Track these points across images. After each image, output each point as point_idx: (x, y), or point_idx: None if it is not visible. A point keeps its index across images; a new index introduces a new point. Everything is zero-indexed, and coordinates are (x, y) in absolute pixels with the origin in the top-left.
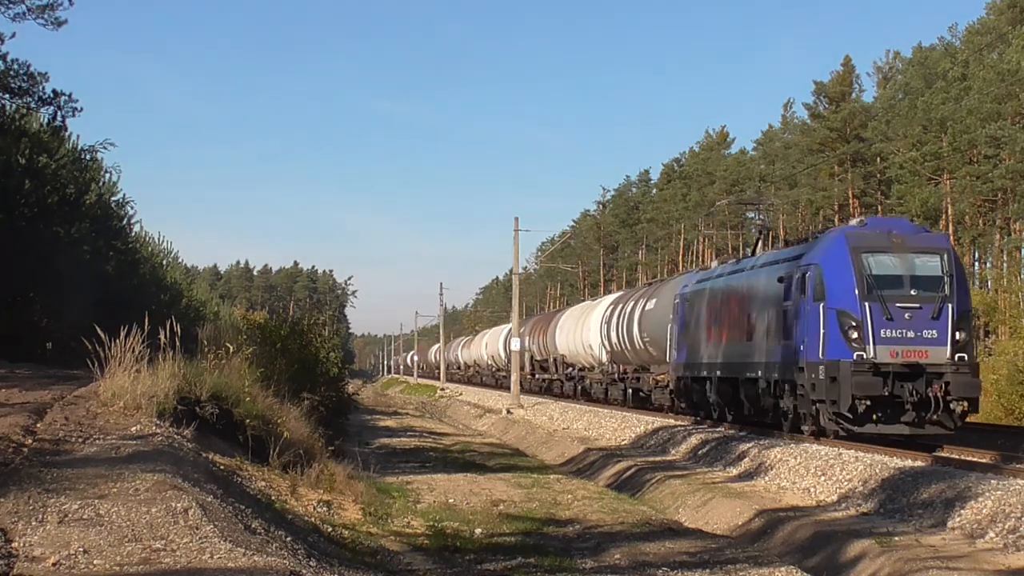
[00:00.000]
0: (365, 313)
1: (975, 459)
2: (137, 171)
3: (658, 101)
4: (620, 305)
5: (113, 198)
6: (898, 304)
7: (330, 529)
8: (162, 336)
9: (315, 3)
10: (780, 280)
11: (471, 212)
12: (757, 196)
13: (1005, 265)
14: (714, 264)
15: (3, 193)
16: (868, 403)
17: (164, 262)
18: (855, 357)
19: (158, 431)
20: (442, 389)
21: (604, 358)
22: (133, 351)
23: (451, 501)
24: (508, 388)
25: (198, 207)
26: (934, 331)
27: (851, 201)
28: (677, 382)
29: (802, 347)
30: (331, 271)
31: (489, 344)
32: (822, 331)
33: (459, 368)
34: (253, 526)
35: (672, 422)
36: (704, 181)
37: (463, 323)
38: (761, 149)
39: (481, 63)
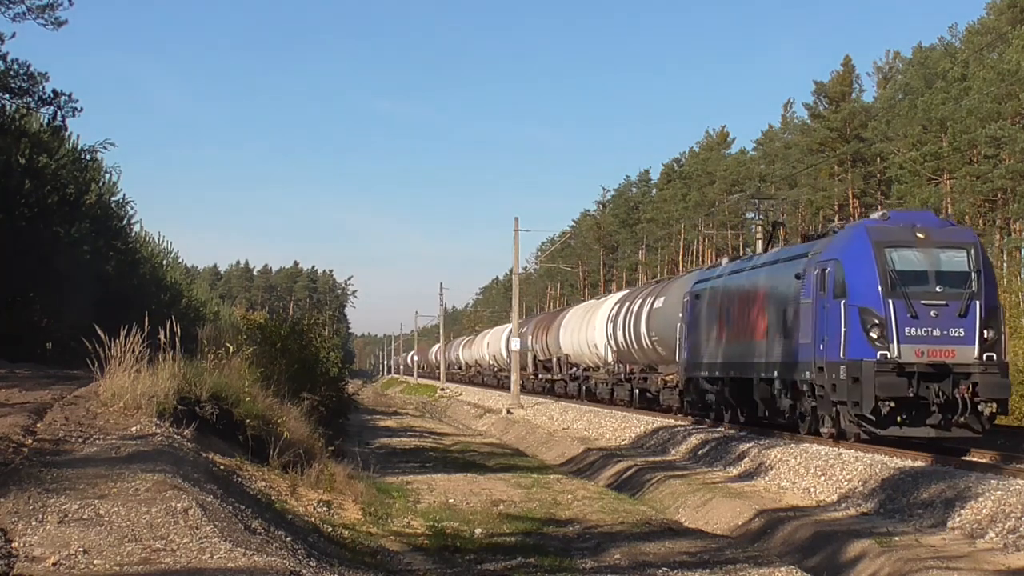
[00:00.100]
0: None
1: (975, 459)
2: (137, 171)
3: (658, 101)
4: (627, 303)
5: (113, 198)
6: (923, 301)
7: (330, 529)
8: (162, 336)
9: (315, 3)
10: (797, 276)
11: (471, 212)
12: (769, 192)
13: (1005, 265)
14: (725, 261)
15: (3, 193)
16: (892, 405)
17: (164, 262)
18: (878, 357)
19: (158, 431)
20: (442, 389)
21: (610, 358)
22: (133, 351)
23: (451, 501)
24: (510, 388)
25: (198, 207)
26: (961, 329)
27: (851, 201)
28: (687, 382)
29: (821, 346)
30: (331, 271)
31: (491, 344)
32: (843, 329)
33: (460, 368)
34: (253, 526)
35: (672, 422)
36: (704, 181)
37: (463, 323)
38: (761, 149)
39: (481, 63)
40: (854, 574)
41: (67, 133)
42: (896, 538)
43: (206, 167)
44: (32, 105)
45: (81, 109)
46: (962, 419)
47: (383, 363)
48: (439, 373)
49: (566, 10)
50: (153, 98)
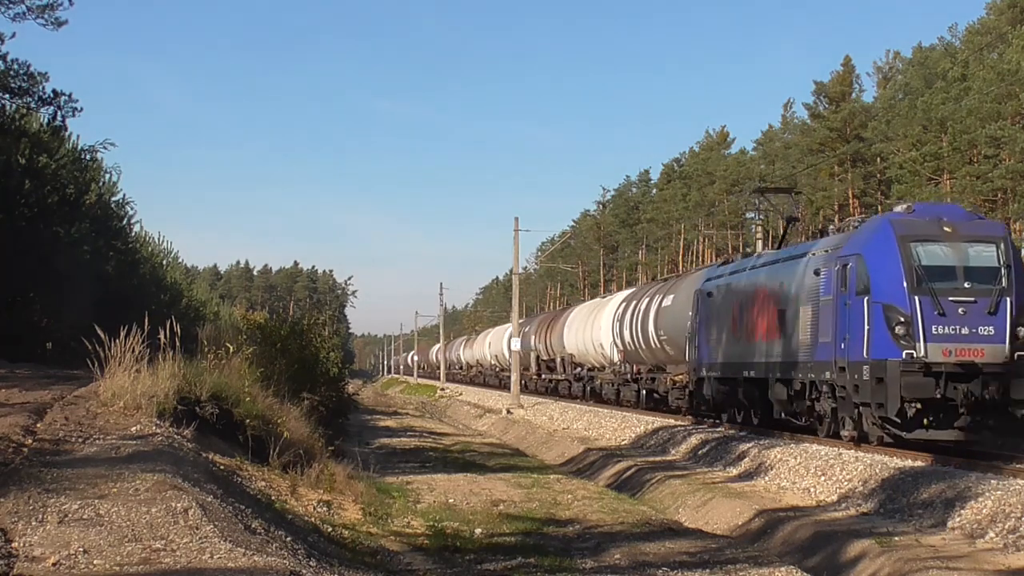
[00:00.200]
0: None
1: (975, 459)
2: (137, 171)
3: (658, 101)
4: (634, 302)
5: (113, 198)
6: (951, 298)
7: (330, 529)
8: (162, 336)
9: (315, 3)
10: (816, 273)
11: (471, 212)
12: (786, 186)
13: None
14: (737, 257)
15: (3, 193)
16: (918, 406)
17: (164, 262)
18: (904, 356)
19: (158, 431)
20: (442, 389)
21: (616, 358)
22: (133, 351)
23: (451, 501)
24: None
25: (198, 207)
26: (991, 327)
27: (851, 201)
28: (698, 383)
29: (843, 345)
30: (331, 271)
31: (492, 344)
32: (866, 327)
33: (461, 368)
34: (253, 526)
35: (672, 422)
36: (704, 181)
37: (463, 323)
38: (761, 149)
39: (481, 63)
40: (854, 574)
41: (67, 133)
42: (896, 538)
43: (206, 167)
44: (32, 105)
45: (81, 109)
46: (992, 422)
47: (383, 363)
48: (439, 373)
49: (566, 10)
50: (153, 98)
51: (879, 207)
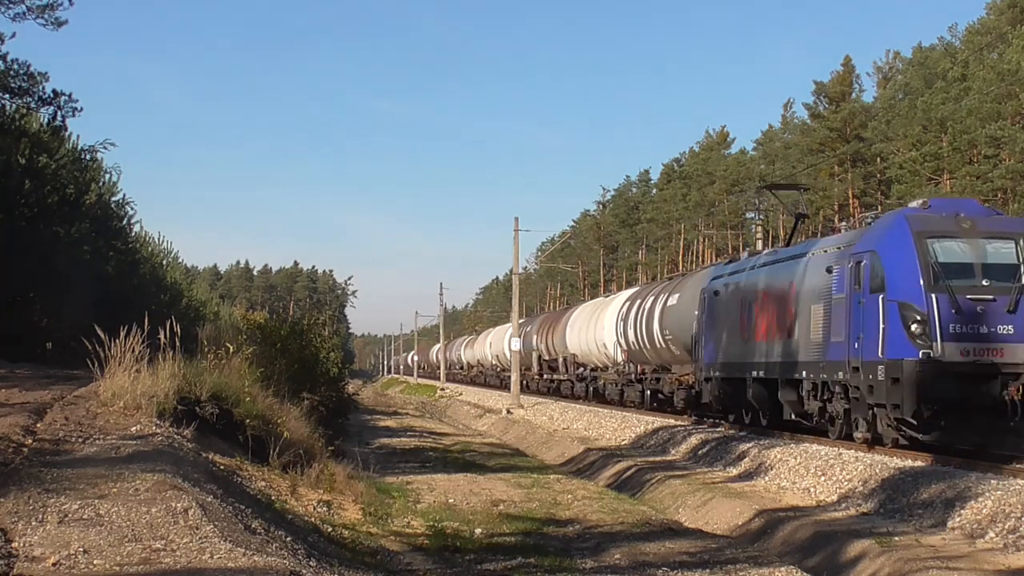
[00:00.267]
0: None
1: (975, 459)
2: (137, 171)
3: (658, 101)
4: (638, 301)
5: (113, 198)
6: (969, 296)
7: (330, 529)
8: (162, 336)
9: (315, 3)
10: (828, 270)
11: (471, 212)
12: (795, 184)
13: None
14: (744, 255)
15: (3, 193)
16: (935, 408)
17: (164, 262)
18: (920, 356)
19: (158, 431)
20: (442, 389)
21: (620, 358)
22: (133, 351)
23: (451, 501)
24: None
25: (198, 207)
26: (1010, 326)
27: (851, 201)
28: (704, 383)
29: (857, 344)
30: (331, 271)
31: (493, 343)
32: (882, 326)
33: (462, 368)
34: (253, 526)
35: (672, 422)
36: (704, 181)
37: (463, 323)
38: (761, 149)
39: (481, 63)
40: (854, 574)
41: (67, 133)
42: (896, 538)
43: (206, 167)
44: (32, 105)
45: (81, 109)
46: (1012, 423)
47: (383, 363)
48: (439, 373)
49: (566, 10)
50: (153, 98)
51: (879, 207)
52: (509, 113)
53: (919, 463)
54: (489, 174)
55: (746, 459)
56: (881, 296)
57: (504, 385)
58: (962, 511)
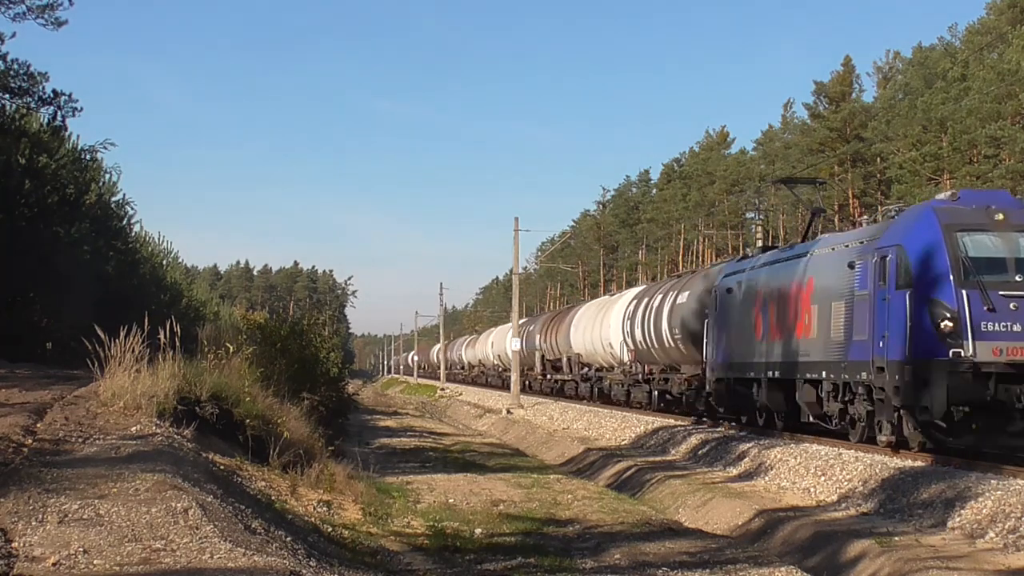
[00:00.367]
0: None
1: (975, 459)
2: (137, 171)
3: (658, 101)
4: (646, 299)
5: (113, 198)
6: (1001, 292)
7: (330, 529)
8: (162, 336)
9: (315, 3)
10: (851, 266)
11: (471, 212)
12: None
13: None
14: (758, 250)
15: (3, 193)
16: (966, 410)
17: (164, 262)
18: (951, 355)
19: (158, 431)
20: (442, 389)
21: (626, 357)
22: (133, 351)
23: (451, 501)
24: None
25: (198, 207)
26: None
27: (851, 201)
28: (716, 384)
29: (881, 343)
30: (331, 271)
31: (496, 343)
32: (908, 324)
33: (463, 368)
34: (253, 526)
35: (672, 422)
36: (704, 181)
37: (463, 323)
38: (761, 149)
39: (481, 63)
40: (854, 574)
41: (67, 133)
42: (896, 538)
43: (206, 167)
44: (32, 105)
45: (81, 109)
46: None
47: (383, 363)
48: (440, 373)
49: (566, 10)
50: (153, 98)
51: (879, 207)
52: (509, 113)
53: (919, 463)
54: (489, 174)
55: (746, 459)
56: (908, 292)
57: (505, 385)
58: (962, 511)
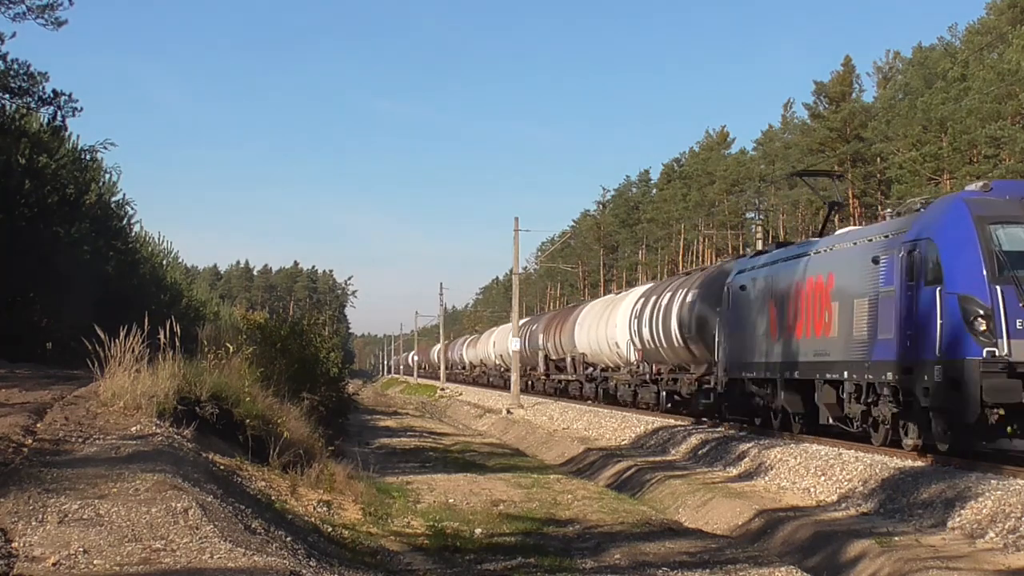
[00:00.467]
0: (365, 313)
1: (975, 459)
2: (137, 171)
3: (658, 101)
4: (653, 297)
5: (113, 198)
6: None
7: (330, 529)
8: (162, 336)
9: (315, 3)
10: (875, 261)
11: (471, 212)
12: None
13: None
14: (772, 247)
15: (3, 193)
16: (1000, 412)
17: (164, 262)
18: (984, 355)
19: (158, 431)
20: (442, 389)
21: (633, 357)
22: (133, 351)
23: (451, 501)
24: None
25: (198, 207)
26: None
27: (851, 201)
28: (728, 384)
29: (909, 342)
30: (331, 271)
31: (497, 343)
32: (939, 322)
33: (464, 368)
34: (253, 526)
35: (672, 422)
36: (704, 181)
37: (463, 323)
38: (761, 149)
39: (481, 63)
40: (854, 574)
41: (67, 133)
42: (896, 538)
43: (206, 167)
44: (32, 105)
45: (81, 109)
46: None
47: (383, 363)
48: (440, 373)
49: (566, 10)
50: (153, 98)
51: (879, 207)
52: (509, 113)
53: (919, 463)
54: (489, 174)
55: (746, 459)
56: (938, 288)
57: (506, 385)
58: (962, 511)
